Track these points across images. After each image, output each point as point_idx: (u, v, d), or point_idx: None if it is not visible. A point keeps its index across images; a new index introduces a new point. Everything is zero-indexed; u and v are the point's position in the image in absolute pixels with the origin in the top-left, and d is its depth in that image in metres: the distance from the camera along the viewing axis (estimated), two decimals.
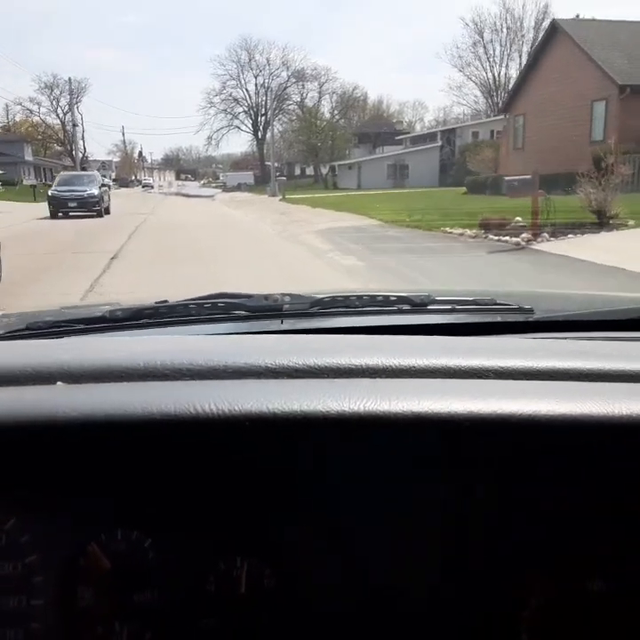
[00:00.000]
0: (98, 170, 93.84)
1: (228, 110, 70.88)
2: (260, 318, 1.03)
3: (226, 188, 73.21)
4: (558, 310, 1.18)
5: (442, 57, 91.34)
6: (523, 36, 52.60)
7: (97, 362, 0.61)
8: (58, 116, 66.16)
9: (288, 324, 1.01)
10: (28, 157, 66.63)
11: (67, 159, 68.36)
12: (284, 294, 1.09)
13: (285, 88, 64.41)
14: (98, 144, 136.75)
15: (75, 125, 56.52)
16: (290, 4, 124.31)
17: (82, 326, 0.96)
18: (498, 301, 1.09)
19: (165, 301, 1.09)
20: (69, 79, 59.03)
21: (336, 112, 60.78)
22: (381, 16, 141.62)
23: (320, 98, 62.47)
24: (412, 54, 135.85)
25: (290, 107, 66.68)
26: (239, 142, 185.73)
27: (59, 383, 0.58)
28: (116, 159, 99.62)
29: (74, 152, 66.06)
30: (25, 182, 48.91)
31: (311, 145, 50.11)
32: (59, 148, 57.55)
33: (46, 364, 0.61)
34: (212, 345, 0.76)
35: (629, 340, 0.89)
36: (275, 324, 1.00)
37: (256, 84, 70.32)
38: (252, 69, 69.70)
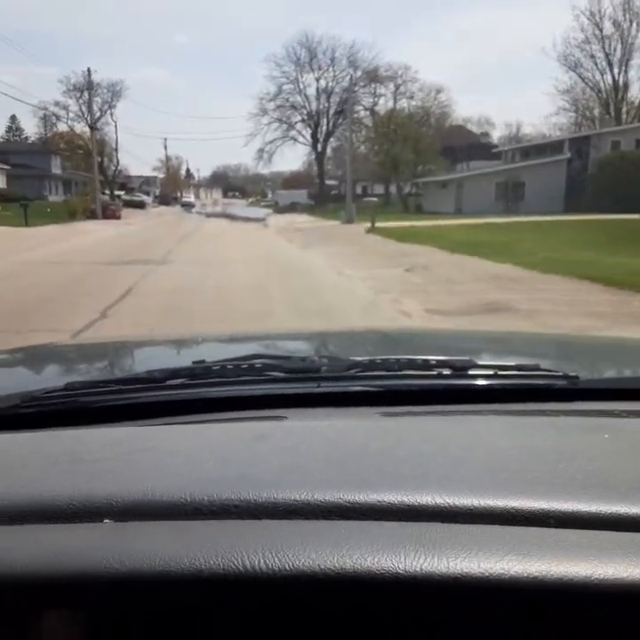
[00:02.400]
0: (140, 186, 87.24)
1: (284, 119, 61.38)
2: (296, 380, 1.03)
3: (277, 208, 63.66)
4: (604, 376, 1.20)
5: (549, 53, 77.56)
6: None
7: (144, 495, 0.59)
8: (88, 122, 57.72)
9: (325, 386, 1.01)
10: (56, 170, 58.48)
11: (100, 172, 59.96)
12: (321, 356, 1.12)
13: (355, 90, 54.39)
14: (136, 159, 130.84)
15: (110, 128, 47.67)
16: (333, 21, 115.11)
17: (119, 387, 0.97)
18: (542, 367, 1.07)
19: (202, 361, 1.10)
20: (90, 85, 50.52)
21: (417, 119, 50.25)
22: (446, 27, 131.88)
23: (395, 102, 51.96)
24: (472, 70, 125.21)
25: (359, 113, 56.66)
26: (294, 157, 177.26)
27: (106, 521, 0.55)
28: (161, 175, 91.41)
29: (102, 164, 57.73)
30: (51, 199, 39.87)
31: (391, 157, 39.52)
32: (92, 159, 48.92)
33: (94, 497, 0.58)
34: (257, 466, 0.70)
35: None
36: (312, 387, 1.01)
37: (317, 89, 60.34)
38: (313, 71, 60.10)
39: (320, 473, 0.65)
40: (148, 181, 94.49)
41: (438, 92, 51.81)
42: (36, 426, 0.87)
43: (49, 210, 35.06)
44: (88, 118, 35.16)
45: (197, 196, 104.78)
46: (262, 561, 0.49)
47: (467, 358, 1.07)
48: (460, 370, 1.03)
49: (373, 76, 51.84)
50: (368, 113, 54.08)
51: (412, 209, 38.82)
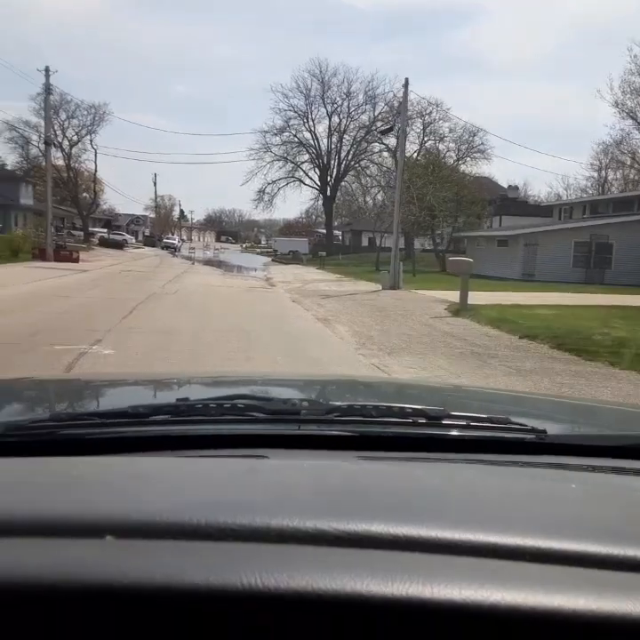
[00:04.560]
0: (127, 225, 79.50)
1: (290, 157, 53.91)
2: (277, 422, 1.05)
3: (278, 257, 55.64)
4: (571, 433, 1.28)
5: (604, 96, 64.14)
6: None
7: (145, 514, 0.61)
8: (62, 148, 49.59)
9: (305, 428, 1.03)
10: (26, 200, 50.14)
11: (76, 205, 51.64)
12: (302, 399, 1.17)
13: (373, 128, 46.98)
14: (125, 199, 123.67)
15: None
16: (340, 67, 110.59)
17: (106, 420, 0.98)
18: (512, 420, 1.10)
19: (186, 399, 1.14)
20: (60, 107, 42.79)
21: (455, 162, 42.79)
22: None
23: (423, 141, 44.57)
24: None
25: (375, 155, 49.39)
26: (296, 202, 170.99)
27: (108, 537, 0.56)
28: (152, 215, 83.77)
29: (79, 196, 49.54)
30: (18, 231, 31.11)
31: (426, 203, 31.53)
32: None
33: (94, 514, 0.60)
34: (250, 494, 0.73)
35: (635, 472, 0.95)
36: (292, 429, 1.03)
37: (329, 126, 53.41)
38: (325, 105, 53.27)
39: (309, 503, 0.70)
40: (137, 220, 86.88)
41: (473, 134, 44.64)
42: (20, 455, 0.86)
43: None
44: (46, 132, 26.60)
45: (190, 239, 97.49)
46: (258, 581, 0.51)
47: (441, 408, 1.12)
48: (433, 419, 1.07)
49: (397, 110, 44.72)
50: (389, 154, 46.71)
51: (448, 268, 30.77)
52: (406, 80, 21.88)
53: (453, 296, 16.07)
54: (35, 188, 52.33)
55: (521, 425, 1.08)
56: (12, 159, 53.33)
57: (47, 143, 26.69)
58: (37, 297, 12.96)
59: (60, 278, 18.80)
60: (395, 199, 21.35)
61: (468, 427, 1.06)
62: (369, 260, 44.23)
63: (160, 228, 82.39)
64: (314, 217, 68.78)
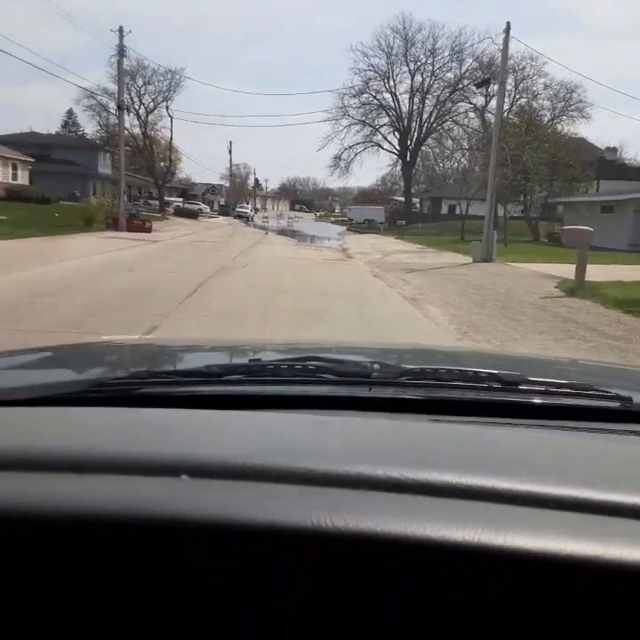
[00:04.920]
0: (203, 194, 79.77)
1: (368, 121, 51.45)
2: (348, 384, 1.04)
3: (353, 226, 53.77)
4: None
5: None
6: None
7: (219, 456, 0.64)
8: (139, 115, 49.38)
9: (376, 391, 1.03)
10: (104, 170, 50.60)
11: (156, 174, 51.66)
12: (373, 362, 1.13)
13: (459, 87, 43.75)
14: (202, 167, 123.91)
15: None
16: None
17: (182, 379, 1.02)
18: (594, 387, 1.06)
19: (259, 360, 1.18)
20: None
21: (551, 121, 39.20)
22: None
23: (514, 100, 41.00)
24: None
25: (460, 116, 46.14)
26: (374, 167, 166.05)
27: (183, 477, 0.58)
28: (228, 184, 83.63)
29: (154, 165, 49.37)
30: (94, 201, 31.02)
31: (522, 166, 28.69)
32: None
33: (172, 454, 0.63)
34: (322, 439, 0.76)
35: None
36: (363, 391, 1.02)
37: (411, 86, 50.38)
38: (407, 63, 50.18)
39: (380, 452, 0.71)
40: (213, 190, 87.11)
41: (571, 91, 40.63)
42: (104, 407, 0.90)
43: (57, 215, 26.37)
44: (119, 96, 25.86)
45: (264, 208, 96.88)
46: (329, 521, 0.52)
47: (517, 373, 1.08)
48: (510, 384, 1.03)
49: (489, 64, 40.98)
50: (476, 115, 43.44)
51: (542, 237, 28.06)
52: (508, 25, 19.34)
53: (559, 270, 13.97)
54: (113, 157, 52.75)
55: (604, 392, 1.04)
56: (90, 128, 54.01)
57: (120, 108, 25.84)
58: (103, 272, 12.04)
59: (130, 249, 18.03)
60: (490, 159, 19.04)
61: (546, 393, 1.02)
62: (451, 228, 41.68)
63: (235, 197, 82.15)
64: (390, 185, 66.04)
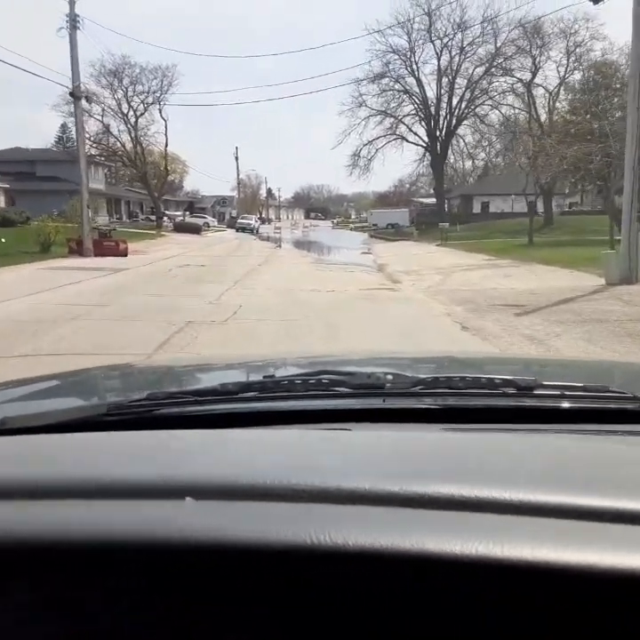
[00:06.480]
0: (213, 206, 74.02)
1: (389, 111, 44.79)
2: (362, 396, 1.06)
3: (377, 233, 47.36)
4: None
5: None
6: None
7: (225, 477, 0.65)
8: (126, 118, 43.26)
9: (389, 402, 1.03)
10: (96, 185, 44.81)
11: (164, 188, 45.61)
12: (386, 373, 1.13)
13: (495, 64, 36.84)
14: (209, 178, 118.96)
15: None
16: None
17: (197, 398, 1.02)
18: (611, 388, 1.05)
19: (272, 376, 1.20)
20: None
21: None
22: None
23: (565, 73, 34.18)
24: None
25: (498, 96, 39.19)
26: (397, 165, 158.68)
27: (187, 499, 0.59)
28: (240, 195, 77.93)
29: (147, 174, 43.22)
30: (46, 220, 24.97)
31: (601, 148, 21.85)
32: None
33: (176, 477, 0.64)
34: (325, 456, 0.77)
35: None
36: (377, 403, 1.03)
37: (439, 66, 43.41)
38: (432, 40, 42.76)
39: (382, 468, 0.71)
40: (223, 201, 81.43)
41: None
42: (120, 431, 0.92)
43: (3, 240, 20.28)
44: (73, 81, 19.68)
45: (278, 217, 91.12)
46: (328, 538, 0.52)
47: (532, 378, 1.08)
48: (524, 389, 1.03)
49: (535, 30, 34.17)
50: (520, 91, 36.64)
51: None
52: None
53: None
54: (110, 170, 47.16)
55: (620, 393, 1.03)
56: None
57: (75, 96, 19.86)
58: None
59: (70, 287, 11.92)
60: (628, 105, 12.02)
61: (562, 396, 1.02)
62: (493, 228, 35.03)
63: (247, 208, 76.45)
64: (408, 185, 59.53)
